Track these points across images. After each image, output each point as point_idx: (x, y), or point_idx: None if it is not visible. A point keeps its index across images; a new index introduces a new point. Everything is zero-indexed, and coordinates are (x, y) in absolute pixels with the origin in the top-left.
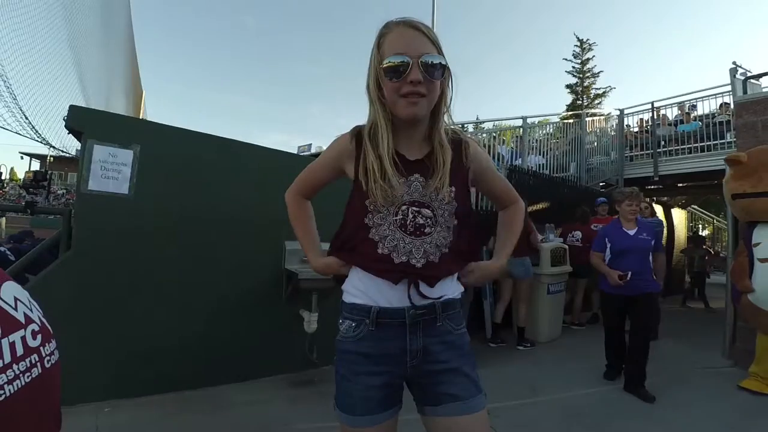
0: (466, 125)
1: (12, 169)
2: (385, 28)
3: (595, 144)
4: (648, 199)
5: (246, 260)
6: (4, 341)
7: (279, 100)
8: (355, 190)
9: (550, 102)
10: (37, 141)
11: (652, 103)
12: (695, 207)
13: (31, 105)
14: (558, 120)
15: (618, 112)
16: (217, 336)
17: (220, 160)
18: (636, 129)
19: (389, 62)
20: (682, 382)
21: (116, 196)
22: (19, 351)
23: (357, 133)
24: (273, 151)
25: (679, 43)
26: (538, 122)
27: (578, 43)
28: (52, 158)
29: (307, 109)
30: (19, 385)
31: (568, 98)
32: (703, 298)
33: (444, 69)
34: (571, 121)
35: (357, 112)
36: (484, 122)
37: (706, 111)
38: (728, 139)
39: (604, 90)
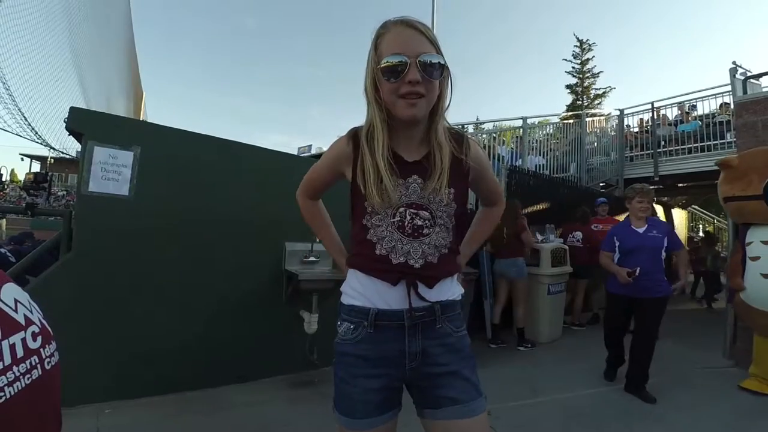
0: (466, 126)
1: (12, 170)
2: (382, 28)
3: (595, 144)
4: None
5: (246, 261)
6: (4, 343)
7: (279, 102)
8: (353, 192)
9: (550, 102)
10: (38, 143)
11: (652, 104)
12: (695, 207)
13: (31, 107)
14: (558, 120)
15: (618, 113)
16: (217, 337)
17: (221, 162)
18: (636, 129)
19: (387, 62)
20: (683, 383)
21: (117, 198)
22: (20, 353)
23: (354, 135)
24: (273, 152)
25: (679, 44)
26: (538, 123)
27: (578, 44)
28: (52, 160)
29: (307, 111)
30: (20, 387)
31: (568, 98)
32: (709, 298)
33: (443, 68)
34: (571, 121)
35: (357, 114)
36: (484, 123)
37: (706, 111)
38: (728, 139)
39: (604, 90)
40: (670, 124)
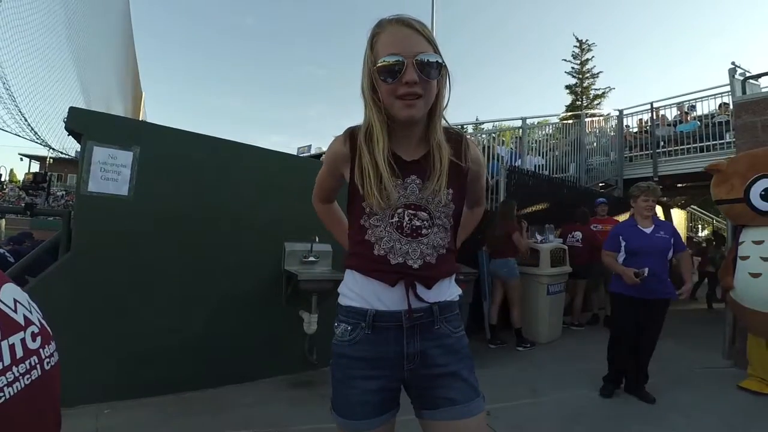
0: (465, 126)
1: (11, 170)
2: (377, 27)
3: (595, 144)
4: None
5: (246, 261)
6: (4, 343)
7: (279, 102)
8: (351, 192)
9: (550, 103)
10: (37, 143)
11: (651, 104)
12: (695, 207)
13: (30, 107)
14: (557, 121)
15: (617, 113)
16: (216, 337)
17: (220, 162)
18: (635, 129)
19: (383, 62)
20: (683, 383)
21: (116, 198)
22: (19, 353)
23: (351, 134)
24: (272, 152)
25: (679, 44)
26: (538, 123)
27: (577, 44)
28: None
29: (307, 111)
30: (19, 388)
31: (568, 99)
32: (711, 298)
33: (440, 67)
34: (570, 121)
35: (357, 114)
36: (483, 123)
37: (706, 111)
38: (727, 140)
39: (603, 91)
40: (669, 125)
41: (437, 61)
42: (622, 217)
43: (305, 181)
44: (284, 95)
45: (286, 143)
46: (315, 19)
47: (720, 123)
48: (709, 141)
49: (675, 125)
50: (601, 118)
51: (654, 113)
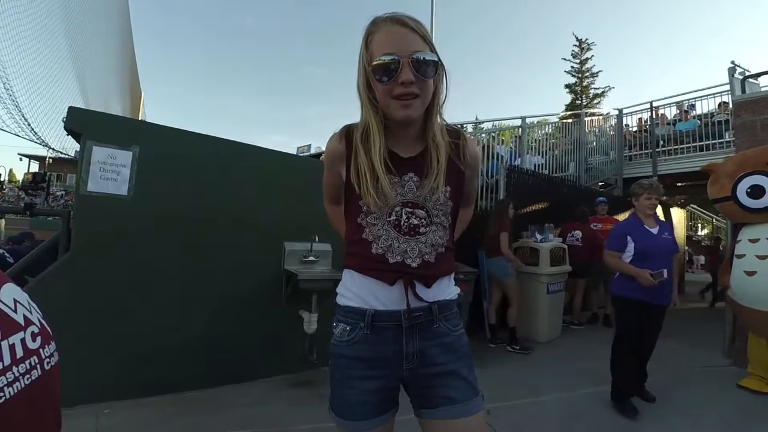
0: (465, 125)
1: (11, 170)
2: (372, 26)
3: (594, 143)
4: None
5: (246, 261)
6: (4, 343)
7: (279, 103)
8: (347, 190)
9: (550, 102)
10: (36, 142)
11: (651, 103)
12: (694, 206)
13: (30, 107)
14: (557, 120)
15: (617, 112)
16: (216, 337)
17: (220, 161)
18: (635, 128)
19: (379, 61)
20: (682, 381)
21: (115, 198)
22: (19, 353)
23: (347, 132)
24: (272, 151)
25: (679, 44)
26: (537, 122)
27: (577, 43)
28: (50, 160)
29: (306, 111)
30: (19, 388)
31: (567, 98)
32: (714, 297)
33: (437, 66)
34: (570, 120)
35: (357, 114)
36: (483, 122)
37: (705, 110)
38: (727, 139)
39: (603, 90)
40: (668, 124)
41: (433, 60)
42: (622, 217)
43: (305, 181)
44: (284, 95)
45: (287, 143)
46: (315, 19)
47: (719, 122)
48: (708, 140)
49: (674, 124)
50: (601, 117)
51: (653, 112)
